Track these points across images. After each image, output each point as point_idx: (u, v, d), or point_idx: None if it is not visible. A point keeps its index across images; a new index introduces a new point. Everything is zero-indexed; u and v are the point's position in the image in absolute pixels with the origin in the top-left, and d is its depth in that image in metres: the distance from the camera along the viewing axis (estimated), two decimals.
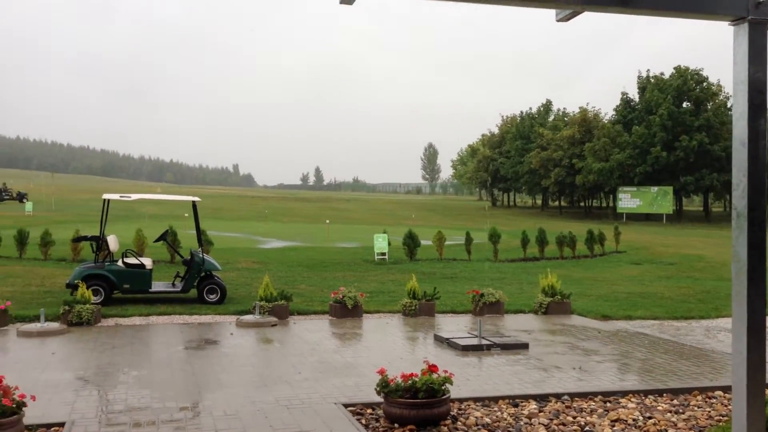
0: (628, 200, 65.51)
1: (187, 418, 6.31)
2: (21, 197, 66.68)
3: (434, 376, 6.27)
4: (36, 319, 10.88)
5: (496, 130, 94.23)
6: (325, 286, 16.04)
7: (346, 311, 12.10)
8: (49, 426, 6.02)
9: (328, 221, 39.48)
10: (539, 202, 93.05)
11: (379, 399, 6.52)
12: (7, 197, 66.93)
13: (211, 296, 13.23)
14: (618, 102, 71.68)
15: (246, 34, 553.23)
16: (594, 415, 6.60)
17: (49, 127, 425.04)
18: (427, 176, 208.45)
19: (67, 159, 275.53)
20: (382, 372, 6.38)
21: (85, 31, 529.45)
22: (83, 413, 6.38)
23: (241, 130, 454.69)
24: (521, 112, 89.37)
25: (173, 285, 13.63)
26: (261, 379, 7.76)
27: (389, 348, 9.69)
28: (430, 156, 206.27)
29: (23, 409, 5.59)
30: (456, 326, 11.48)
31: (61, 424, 6.04)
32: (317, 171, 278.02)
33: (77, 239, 15.57)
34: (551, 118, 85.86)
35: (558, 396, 7.21)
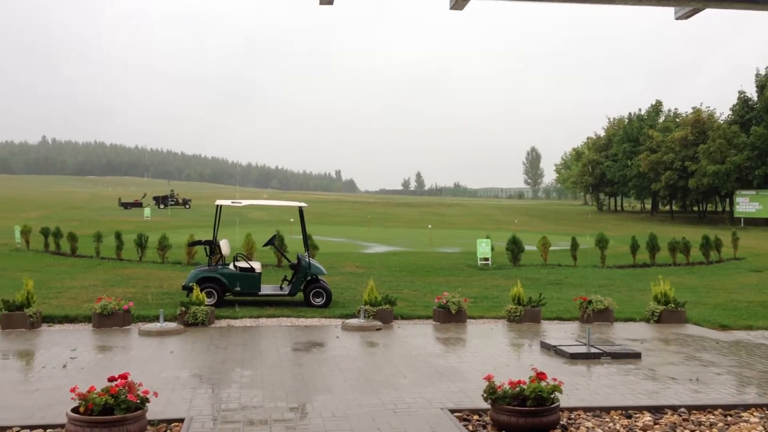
0: (746, 204, 61.85)
1: (297, 418, 6.47)
2: (185, 203, 71.07)
3: (543, 383, 6.15)
4: (155, 319, 11.46)
5: (602, 133, 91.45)
6: (428, 291, 16.06)
7: (449, 316, 12.06)
8: (169, 422, 6.32)
9: (430, 226, 39.52)
10: (648, 206, 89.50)
11: (486, 405, 6.46)
12: (173, 203, 70.70)
13: (317, 300, 13.51)
14: (734, 101, 67.91)
15: (345, 42, 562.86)
16: (714, 429, 6.28)
17: (165, 137, 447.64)
18: (529, 180, 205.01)
19: (180, 167, 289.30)
20: (489, 378, 6.32)
21: (193, 46, 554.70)
22: (200, 410, 6.67)
23: (343, 136, 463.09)
24: (629, 114, 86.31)
25: (281, 288, 14.02)
26: (367, 382, 7.85)
27: (494, 354, 9.58)
28: (533, 160, 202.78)
29: (146, 404, 5.89)
30: (563, 333, 11.22)
31: (181, 420, 6.33)
32: (418, 176, 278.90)
33: (192, 243, 16.30)
34: (661, 119, 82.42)
35: (674, 408, 6.90)
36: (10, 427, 6.03)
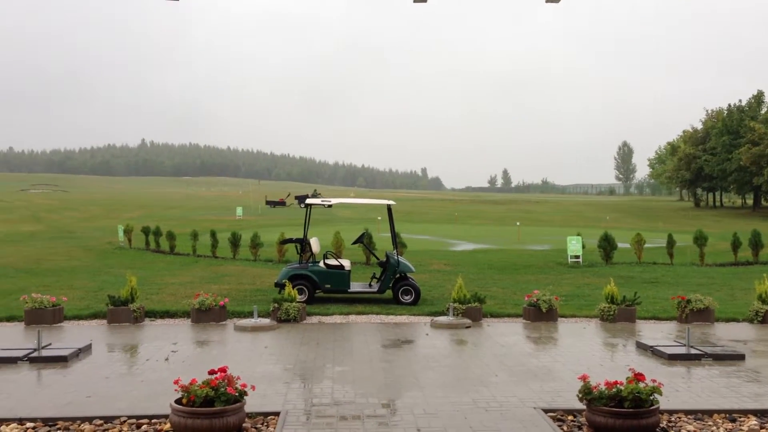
0: None
1: (389, 414, 6.52)
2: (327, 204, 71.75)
3: (641, 384, 5.97)
4: (250, 315, 11.80)
5: (699, 126, 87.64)
6: (517, 289, 15.85)
7: (540, 315, 11.87)
8: (266, 415, 6.50)
9: (518, 223, 38.99)
10: (750, 201, 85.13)
11: (581, 406, 6.33)
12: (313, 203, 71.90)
13: (406, 297, 13.56)
14: None
15: (431, 40, 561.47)
16: None
17: (255, 137, 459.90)
18: (620, 176, 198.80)
19: (270, 166, 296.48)
20: (584, 378, 6.18)
21: (283, 48, 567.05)
22: (295, 404, 6.83)
23: (429, 133, 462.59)
24: (729, 105, 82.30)
25: (370, 286, 14.16)
26: (458, 380, 7.83)
27: (587, 353, 9.36)
28: (624, 155, 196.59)
29: (244, 397, 6.08)
30: (659, 333, 10.84)
31: (276, 414, 6.50)
32: (505, 173, 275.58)
33: (284, 241, 16.68)
34: (764, 110, 78.20)
35: None
36: (119, 417, 6.35)
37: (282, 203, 68.18)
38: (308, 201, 14.56)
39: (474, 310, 11.85)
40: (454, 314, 11.67)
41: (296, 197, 72.74)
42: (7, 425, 6.12)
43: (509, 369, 8.39)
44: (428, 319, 12.04)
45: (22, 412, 6.45)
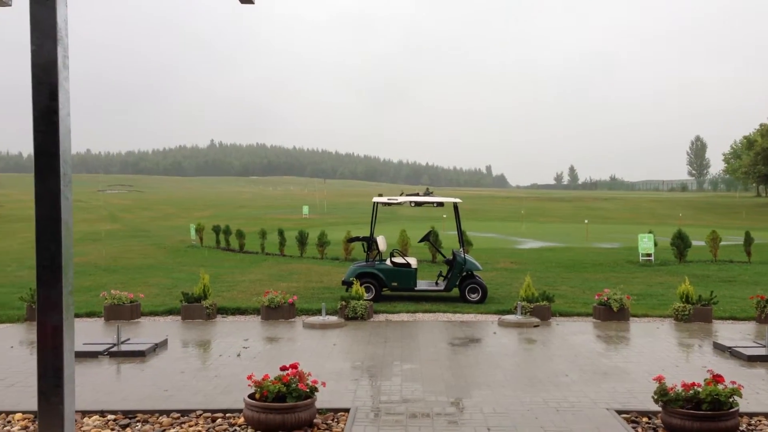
0: None
1: (458, 412, 6.51)
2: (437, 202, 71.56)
3: (720, 386, 5.78)
4: (318, 312, 11.97)
5: None
6: (586, 287, 15.56)
7: (611, 314, 11.62)
8: (336, 411, 6.58)
9: (586, 221, 38.25)
10: None
11: (656, 408, 6.18)
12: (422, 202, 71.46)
13: (473, 295, 13.50)
14: None
15: (496, 36, 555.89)
16: None
17: (320, 137, 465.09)
18: (693, 172, 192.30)
19: (335, 165, 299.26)
20: (659, 379, 6.03)
21: (348, 48, 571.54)
22: (364, 401, 6.89)
23: (493, 131, 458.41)
24: None
25: (436, 284, 14.14)
26: (527, 379, 7.75)
27: (662, 354, 9.12)
28: (698, 150, 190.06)
29: (315, 393, 6.17)
30: (738, 334, 10.47)
31: (346, 410, 6.58)
32: (571, 170, 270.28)
33: (351, 240, 16.81)
34: None
35: None
36: (195, 410, 6.54)
37: (397, 203, 67.83)
38: (375, 199, 14.64)
39: (542, 309, 11.70)
40: (522, 313, 11.56)
41: (407, 196, 72.42)
42: (89, 417, 6.38)
43: (580, 369, 8.26)
44: (496, 317, 11.95)
45: (104, 405, 6.71)
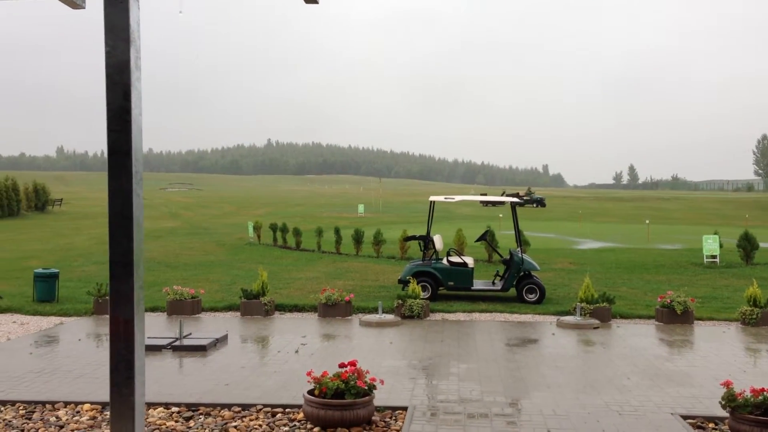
0: None
1: (517, 413, 6.45)
2: (537, 202, 66.00)
3: None
4: (374, 310, 12.01)
5: None
6: (648, 289, 15.20)
7: (674, 317, 11.33)
8: (394, 409, 6.59)
9: (647, 221, 37.34)
10: None
11: (723, 413, 6.00)
12: (524, 201, 66.06)
13: (530, 296, 13.34)
14: None
15: (551, 33, 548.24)
16: None
17: (375, 135, 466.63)
18: (760, 171, 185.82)
19: (390, 164, 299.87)
20: (727, 384, 5.84)
21: (402, 45, 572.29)
22: (422, 400, 6.88)
23: (550, 129, 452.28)
24: None
25: (493, 283, 14.03)
26: (588, 382, 7.62)
27: (728, 359, 8.84)
28: (764, 149, 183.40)
29: (373, 391, 6.20)
30: None
31: (404, 408, 6.58)
32: (631, 169, 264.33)
33: (407, 238, 16.82)
34: None
35: None
36: (255, 405, 6.65)
37: (500, 203, 66.30)
38: (432, 198, 14.61)
39: (602, 311, 11.49)
40: (581, 314, 11.37)
41: (507, 196, 70.58)
42: (154, 409, 6.55)
43: (642, 372, 8.07)
44: (554, 318, 11.79)
45: (168, 397, 6.88)
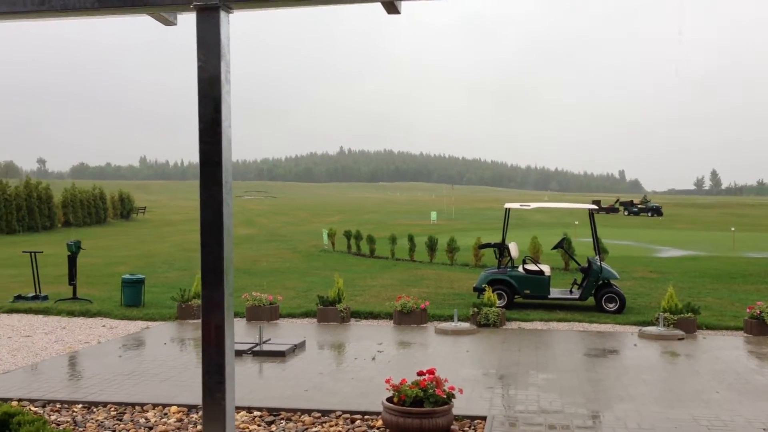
0: None
1: (600, 426, 6.30)
2: (653, 210, 62.44)
3: None
4: (449, 318, 11.96)
5: None
6: (735, 299, 14.60)
7: (764, 328, 10.85)
8: (472, 418, 6.54)
9: (732, 228, 35.89)
10: None
11: None
12: (638, 209, 63.37)
13: (610, 305, 13.01)
14: None
15: (625, 36, 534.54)
16: None
17: (447, 142, 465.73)
18: None
19: (461, 171, 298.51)
20: None
21: (471, 52, 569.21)
22: (500, 410, 6.81)
23: (627, 133, 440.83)
24: None
25: (570, 292, 13.76)
26: (673, 395, 7.37)
27: None
28: None
29: (452, 400, 6.17)
30: None
31: (482, 418, 6.53)
32: (713, 174, 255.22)
33: (482, 246, 16.70)
34: None
35: None
36: (334, 411, 6.72)
37: (614, 209, 64.79)
38: (507, 205, 14.47)
39: (687, 321, 11.10)
40: (664, 324, 11.01)
41: (621, 203, 68.56)
42: (237, 412, 6.71)
43: (731, 386, 7.75)
44: (635, 328, 11.47)
45: (249, 401, 7.03)
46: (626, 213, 62.16)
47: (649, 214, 60.43)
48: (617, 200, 70.50)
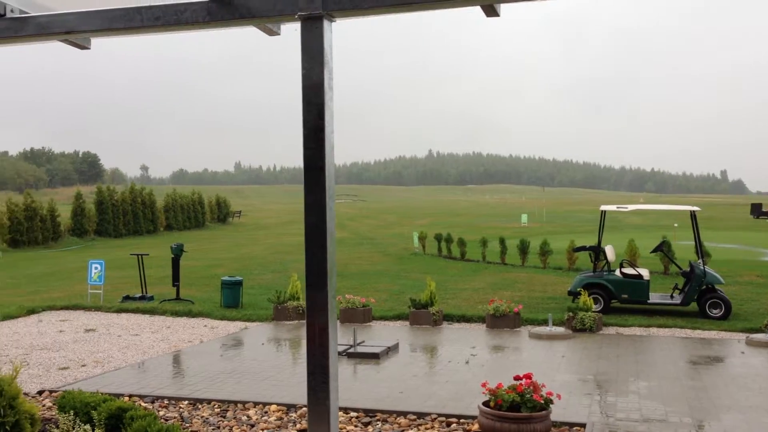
0: None
1: None
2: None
3: None
4: (543, 323, 11.76)
5: None
6: None
7: None
8: (571, 425, 6.42)
9: None
10: None
11: None
12: None
13: (714, 311, 12.46)
14: None
15: (725, 33, 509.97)
16: None
17: (536, 143, 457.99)
18: None
19: (552, 173, 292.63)
20: None
21: (564, 53, 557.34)
22: (600, 417, 6.65)
23: (729, 131, 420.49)
24: None
25: (671, 297, 13.26)
26: None
27: None
28: None
29: (550, 405, 6.07)
30: None
31: (582, 425, 6.39)
32: None
33: (577, 249, 16.34)
34: None
35: None
36: (430, 414, 6.74)
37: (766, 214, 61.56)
38: (603, 207, 14.10)
39: None
40: None
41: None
42: None
43: None
44: (742, 335, 10.93)
45: (346, 402, 7.14)
46: (756, 217, 56.88)
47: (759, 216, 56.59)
48: (761, 204, 65.53)
